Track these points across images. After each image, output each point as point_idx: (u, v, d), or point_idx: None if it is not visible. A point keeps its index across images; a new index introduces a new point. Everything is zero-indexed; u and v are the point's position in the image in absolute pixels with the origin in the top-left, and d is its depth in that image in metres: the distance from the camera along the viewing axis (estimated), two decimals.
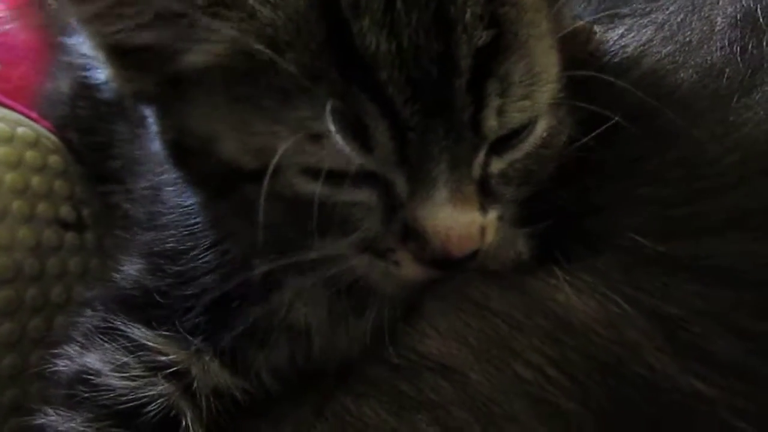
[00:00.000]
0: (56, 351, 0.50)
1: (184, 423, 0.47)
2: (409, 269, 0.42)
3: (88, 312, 0.51)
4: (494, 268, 0.43)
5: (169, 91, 0.42)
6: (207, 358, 0.48)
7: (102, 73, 0.43)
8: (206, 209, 0.48)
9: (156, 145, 0.47)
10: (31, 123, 0.76)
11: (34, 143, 0.74)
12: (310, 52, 0.37)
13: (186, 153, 0.44)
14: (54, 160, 0.75)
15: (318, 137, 0.37)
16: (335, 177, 0.39)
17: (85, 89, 0.73)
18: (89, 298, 0.52)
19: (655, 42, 0.50)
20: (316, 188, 0.39)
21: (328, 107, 0.36)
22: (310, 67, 0.37)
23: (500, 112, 0.39)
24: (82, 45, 0.42)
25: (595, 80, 0.48)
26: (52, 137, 0.77)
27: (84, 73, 0.45)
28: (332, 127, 0.37)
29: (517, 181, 0.43)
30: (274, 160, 0.38)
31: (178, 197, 0.51)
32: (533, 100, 0.40)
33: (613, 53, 0.51)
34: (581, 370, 0.35)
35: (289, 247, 0.43)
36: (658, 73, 0.48)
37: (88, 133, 0.74)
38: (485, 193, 0.41)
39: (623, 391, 0.34)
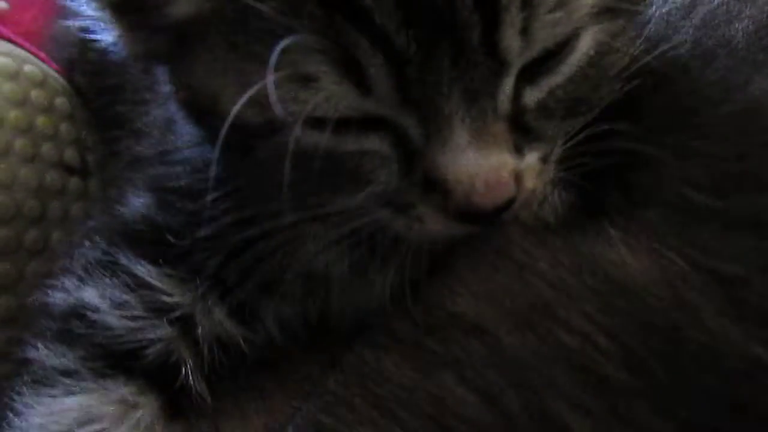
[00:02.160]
0: (53, 282, 0.47)
1: (183, 371, 0.44)
2: (435, 225, 0.37)
3: (88, 244, 0.47)
4: (527, 221, 0.40)
5: (175, 48, 0.39)
6: (213, 304, 0.45)
7: (109, 34, 0.41)
8: (225, 163, 0.44)
9: (173, 108, 0.45)
10: (39, 62, 0.74)
11: (41, 83, 0.72)
12: None
13: (199, 112, 0.41)
14: (61, 101, 0.73)
15: (309, 81, 0.33)
16: (339, 125, 0.35)
17: None
18: (89, 228, 0.49)
19: None
20: (320, 139, 0.35)
21: (312, 44, 0.32)
22: (289, 1, 0.33)
23: (525, 28, 0.33)
24: (87, 6, 0.40)
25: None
26: (61, 79, 0.75)
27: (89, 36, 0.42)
28: (320, 69, 0.33)
29: (561, 112, 0.37)
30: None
31: (197, 141, 0.47)
32: (569, 10, 0.34)
33: (660, 3, 0.48)
34: (634, 338, 0.32)
35: (309, 203, 0.39)
36: (710, 23, 0.45)
37: (97, 75, 0.70)
38: (521, 131, 0.36)
39: (680, 361, 0.31)
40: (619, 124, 0.39)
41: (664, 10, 0.47)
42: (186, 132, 0.47)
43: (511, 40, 0.33)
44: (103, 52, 0.69)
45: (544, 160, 0.38)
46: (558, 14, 0.34)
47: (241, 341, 0.46)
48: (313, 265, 0.45)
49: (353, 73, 0.33)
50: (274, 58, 0.32)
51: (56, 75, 0.74)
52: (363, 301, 0.46)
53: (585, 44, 0.37)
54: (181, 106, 0.42)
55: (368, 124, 0.35)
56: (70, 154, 0.71)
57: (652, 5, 0.48)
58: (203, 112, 0.40)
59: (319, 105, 0.34)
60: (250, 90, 0.34)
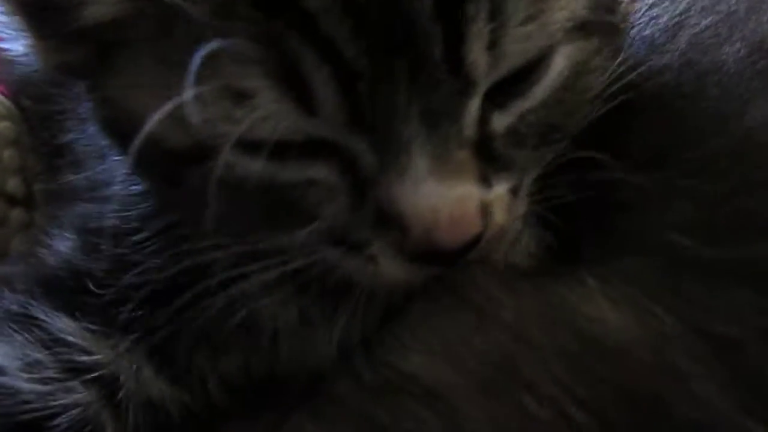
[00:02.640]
0: None
1: None
2: (390, 267, 0.33)
3: (5, 293, 0.42)
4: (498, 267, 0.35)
5: (94, 59, 0.35)
6: (141, 362, 0.40)
7: (20, 43, 0.37)
8: (155, 196, 0.40)
9: (93, 129, 0.42)
10: None
11: None
12: None
13: (122, 134, 0.36)
14: (4, 126, 0.69)
15: (244, 97, 0.29)
16: (278, 150, 0.31)
17: None
18: (8, 275, 0.44)
19: (692, 12, 0.43)
20: (256, 166, 0.31)
21: (247, 53, 0.28)
22: (221, 3, 0.29)
23: (493, 42, 0.30)
24: None
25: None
26: (5, 102, 0.71)
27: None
28: (257, 83, 0.29)
29: (534, 140, 0.34)
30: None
31: (126, 175, 0.42)
32: (543, 23, 0.31)
33: (641, 25, 0.44)
34: (614, 409, 0.27)
35: (245, 241, 0.35)
36: (697, 48, 0.41)
37: (42, 101, 0.66)
38: (488, 160, 0.33)
39: None
40: (600, 158, 0.35)
41: (646, 33, 0.43)
42: (114, 162, 0.42)
43: (477, 55, 0.30)
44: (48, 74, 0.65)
45: (514, 192, 0.34)
46: (530, 27, 0.30)
47: (173, 405, 0.40)
48: (256, 316, 0.40)
49: (296, 88, 0.29)
50: (194, 67, 0.28)
51: (2, 98, 0.70)
52: (312, 355, 0.41)
53: (559, 64, 0.34)
54: (101, 126, 0.38)
55: (313, 148, 0.32)
56: (14, 184, 0.67)
57: (632, 27, 0.44)
58: (126, 134, 0.35)
59: (255, 125, 0.30)
60: (170, 103, 0.29)
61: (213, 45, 0.28)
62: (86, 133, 0.48)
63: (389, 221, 0.32)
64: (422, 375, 0.32)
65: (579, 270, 0.32)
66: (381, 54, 0.29)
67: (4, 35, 0.37)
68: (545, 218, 0.36)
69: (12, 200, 0.66)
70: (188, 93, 0.29)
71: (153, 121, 0.30)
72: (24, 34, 0.35)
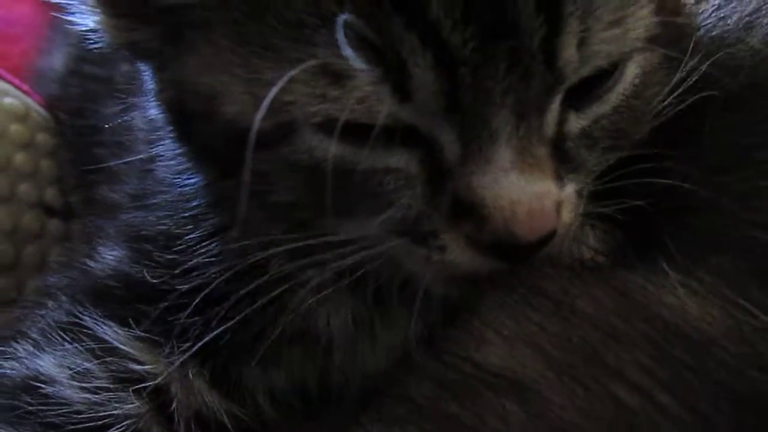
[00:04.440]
0: (3, 349, 0.40)
1: None
2: (460, 256, 0.33)
3: (50, 303, 0.41)
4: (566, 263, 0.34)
5: (166, 40, 0.35)
6: (192, 373, 0.38)
7: (89, 18, 0.36)
8: (211, 190, 0.40)
9: (154, 111, 0.40)
10: (22, 95, 0.70)
11: (23, 117, 0.68)
12: None
13: (188, 117, 0.36)
14: (43, 138, 0.69)
15: (339, 78, 0.29)
16: (363, 135, 0.30)
17: (78, 65, 0.66)
18: (51, 285, 0.43)
19: (764, 11, 0.41)
20: (338, 150, 0.31)
21: (350, 37, 0.28)
22: None
23: (582, 41, 0.30)
24: None
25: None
26: (44, 113, 0.70)
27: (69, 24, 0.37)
28: (357, 65, 0.29)
29: (603, 143, 0.34)
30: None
31: (176, 174, 0.42)
32: (625, 29, 0.31)
33: (709, 26, 0.42)
34: (704, 399, 0.26)
35: (310, 233, 0.34)
36: None
37: (77, 115, 0.66)
38: (560, 159, 0.33)
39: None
40: (670, 161, 0.35)
41: (714, 34, 0.42)
42: (168, 170, 0.42)
43: (570, 50, 0.30)
44: (84, 87, 0.65)
45: (579, 193, 0.34)
46: (614, 32, 0.31)
47: (225, 417, 0.39)
48: (311, 321, 0.39)
49: (394, 73, 0.29)
50: (351, 47, 0.28)
51: (40, 109, 0.70)
52: (371, 364, 0.40)
53: (632, 72, 0.34)
54: (165, 109, 0.38)
55: (397, 135, 0.31)
56: (51, 194, 0.67)
57: (699, 29, 0.42)
58: (192, 117, 0.35)
59: (344, 107, 0.30)
60: (273, 88, 0.29)
61: (357, 33, 0.28)
62: (129, 149, 0.48)
63: (465, 212, 0.32)
64: (500, 365, 0.30)
65: (657, 261, 0.31)
66: (483, 42, 0.29)
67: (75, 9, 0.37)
68: (615, 218, 0.35)
69: (49, 211, 0.66)
70: (286, 71, 0.29)
71: (261, 111, 0.29)
72: (95, 10, 0.35)
